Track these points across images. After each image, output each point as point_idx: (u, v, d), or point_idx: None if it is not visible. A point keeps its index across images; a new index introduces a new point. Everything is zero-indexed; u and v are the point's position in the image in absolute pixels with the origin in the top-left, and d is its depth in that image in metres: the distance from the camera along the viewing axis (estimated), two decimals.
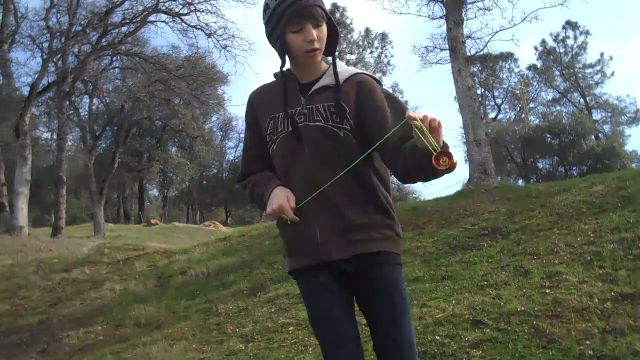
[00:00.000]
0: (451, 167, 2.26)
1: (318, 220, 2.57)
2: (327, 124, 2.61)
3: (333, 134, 2.60)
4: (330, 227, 2.57)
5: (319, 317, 2.65)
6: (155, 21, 26.83)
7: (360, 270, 2.59)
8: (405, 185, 49.79)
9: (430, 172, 2.35)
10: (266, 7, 2.66)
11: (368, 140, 2.57)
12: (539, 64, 52.07)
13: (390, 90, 2.80)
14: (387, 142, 2.47)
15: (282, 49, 2.65)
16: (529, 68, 52.87)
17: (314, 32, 2.58)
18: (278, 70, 2.77)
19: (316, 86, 2.68)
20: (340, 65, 2.76)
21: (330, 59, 2.74)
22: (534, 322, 5.29)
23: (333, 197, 2.56)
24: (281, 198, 2.59)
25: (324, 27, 2.63)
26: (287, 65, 2.74)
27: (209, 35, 25.88)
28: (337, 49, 2.79)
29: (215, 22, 28.85)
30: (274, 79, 2.84)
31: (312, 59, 2.66)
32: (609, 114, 50.40)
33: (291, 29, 2.59)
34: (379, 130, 2.52)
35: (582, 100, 50.53)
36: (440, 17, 18.07)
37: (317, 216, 2.57)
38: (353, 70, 2.76)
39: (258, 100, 2.82)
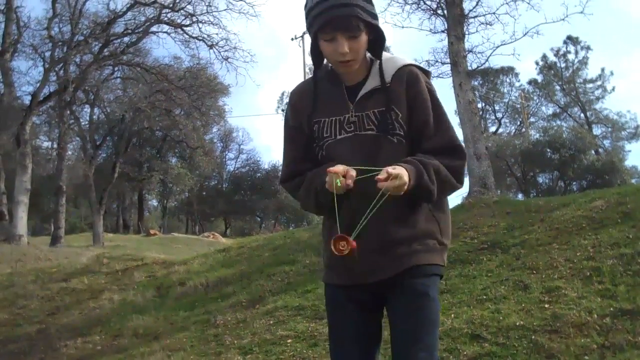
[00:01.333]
0: (350, 252, 2.29)
1: (359, 238, 2.36)
2: (380, 132, 2.49)
3: (386, 142, 2.49)
4: (371, 248, 2.45)
5: (333, 335, 2.64)
6: (158, 32, 26.90)
7: (395, 282, 2.48)
8: None
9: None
10: (305, 4, 2.49)
11: (415, 143, 2.52)
12: (539, 78, 52.28)
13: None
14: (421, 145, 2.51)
15: (315, 54, 2.54)
16: (529, 82, 53.09)
17: (346, 45, 2.40)
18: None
19: (364, 90, 2.53)
20: (385, 57, 2.59)
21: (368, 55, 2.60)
22: (533, 336, 5.28)
23: (377, 212, 2.35)
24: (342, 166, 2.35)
25: (362, 37, 2.43)
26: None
27: (210, 47, 25.93)
28: (383, 49, 2.58)
29: (217, 34, 29.02)
30: (312, 76, 2.68)
31: (347, 70, 2.52)
32: (609, 129, 50.55)
33: (323, 37, 2.43)
34: (419, 141, 2.52)
35: (582, 115, 50.64)
36: (442, 32, 18.15)
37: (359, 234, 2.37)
38: (399, 62, 2.59)
39: (300, 101, 2.65)
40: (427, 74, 2.66)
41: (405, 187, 2.25)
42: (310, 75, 2.67)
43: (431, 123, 2.52)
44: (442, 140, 2.53)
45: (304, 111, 2.62)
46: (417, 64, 2.65)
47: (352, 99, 2.54)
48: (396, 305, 2.52)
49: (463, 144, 2.57)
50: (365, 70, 2.58)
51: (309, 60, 42.60)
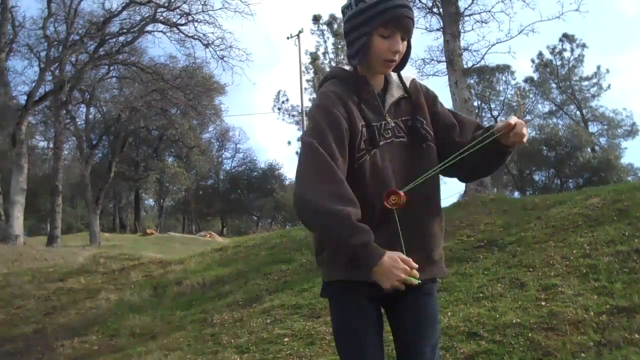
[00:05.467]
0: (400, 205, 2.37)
1: (398, 237, 2.39)
2: (411, 139, 2.54)
3: (417, 149, 2.54)
4: (415, 245, 2.44)
5: (352, 338, 2.52)
6: (153, 31, 26.95)
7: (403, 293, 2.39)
8: None
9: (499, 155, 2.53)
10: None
11: (440, 149, 2.59)
12: (535, 76, 52.27)
13: None
14: (457, 140, 2.60)
15: (363, 47, 2.50)
16: (525, 80, 53.04)
17: (401, 45, 2.48)
18: (339, 67, 2.67)
19: (392, 98, 2.58)
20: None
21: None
22: (530, 334, 5.28)
23: (419, 213, 2.47)
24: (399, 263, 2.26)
25: (406, 43, 2.53)
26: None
27: (206, 46, 25.95)
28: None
29: (212, 33, 28.96)
30: (334, 79, 2.62)
31: (386, 70, 2.57)
32: (605, 127, 50.61)
33: (382, 32, 2.45)
34: (453, 138, 2.62)
35: (578, 112, 50.70)
36: (438, 30, 18.18)
37: (397, 233, 2.39)
38: (409, 75, 2.71)
39: (348, 99, 2.52)
40: None
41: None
42: (346, 70, 2.62)
43: (455, 121, 2.66)
44: (472, 121, 2.72)
45: (351, 110, 2.50)
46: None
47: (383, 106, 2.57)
48: (402, 304, 2.54)
49: None
50: (383, 80, 2.63)
51: (304, 59, 42.62)
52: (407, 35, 2.49)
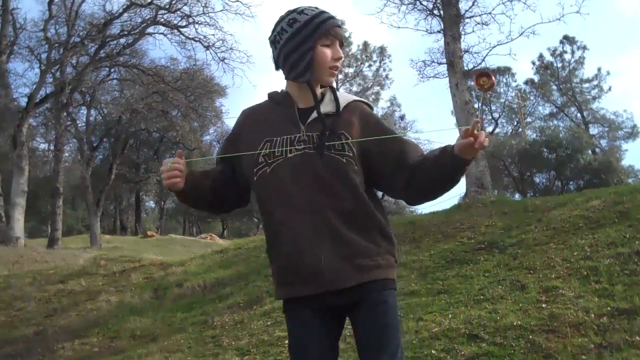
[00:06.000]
0: (491, 87, 2.39)
1: (319, 245, 2.51)
2: (329, 151, 2.58)
3: (334, 161, 2.57)
4: (334, 253, 2.52)
5: (293, 355, 2.67)
6: (154, 33, 26.95)
7: (354, 298, 2.56)
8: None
9: (452, 174, 2.51)
10: (293, 21, 2.65)
11: (373, 168, 2.63)
12: (536, 78, 52.23)
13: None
14: (405, 162, 2.58)
15: (310, 61, 2.64)
16: (526, 82, 52.99)
17: (340, 51, 2.70)
18: (274, 90, 2.81)
19: (315, 114, 2.66)
20: (339, 92, 2.78)
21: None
22: (530, 336, 5.28)
23: (335, 223, 2.52)
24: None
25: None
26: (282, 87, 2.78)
27: (207, 48, 25.94)
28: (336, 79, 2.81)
29: (213, 35, 28.82)
30: (267, 99, 2.84)
31: (332, 77, 2.73)
32: (606, 129, 50.58)
33: (323, 42, 2.65)
34: (403, 162, 2.61)
35: (579, 115, 50.69)
36: (438, 32, 18.15)
37: (317, 241, 2.52)
38: (351, 97, 2.79)
39: (252, 120, 2.78)
40: (371, 107, 2.85)
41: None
42: (277, 91, 2.83)
43: (403, 147, 2.67)
44: (417, 149, 2.70)
45: (251, 130, 2.73)
46: (363, 100, 2.85)
47: (303, 120, 2.66)
48: (358, 317, 2.59)
49: None
50: (311, 95, 2.71)
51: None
52: (342, 44, 2.71)
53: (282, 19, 2.70)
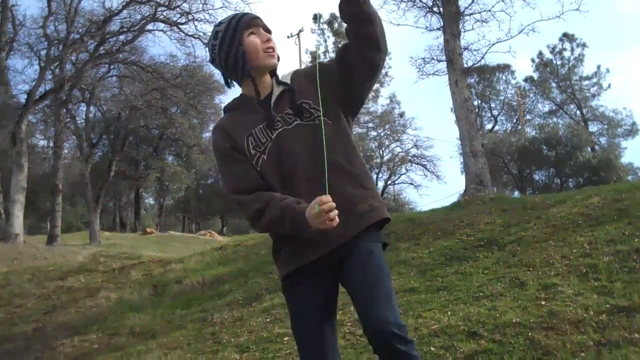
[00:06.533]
0: None
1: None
2: (303, 120, 2.79)
3: (311, 126, 2.77)
4: (338, 209, 2.57)
5: (296, 327, 2.85)
6: (153, 30, 26.90)
7: (346, 252, 2.70)
8: (402, 196, 49.88)
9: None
10: (217, 33, 2.89)
11: (348, 102, 2.89)
12: (535, 75, 52.36)
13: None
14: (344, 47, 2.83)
15: (244, 54, 2.83)
16: (525, 80, 53.15)
17: (267, 35, 2.87)
18: (228, 101, 3.05)
19: (274, 96, 2.88)
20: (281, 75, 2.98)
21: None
22: (530, 333, 5.28)
23: (330, 182, 2.61)
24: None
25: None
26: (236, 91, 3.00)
27: (206, 45, 25.86)
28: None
29: None
30: (225, 113, 3.03)
31: (272, 59, 2.88)
32: (605, 126, 50.63)
33: (247, 34, 2.83)
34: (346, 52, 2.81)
35: (578, 112, 50.75)
36: (438, 29, 18.13)
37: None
38: (291, 70, 3.02)
39: (229, 126, 2.91)
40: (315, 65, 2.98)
41: None
42: (233, 99, 3.04)
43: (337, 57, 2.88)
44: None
45: (235, 133, 2.86)
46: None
47: (267, 108, 2.86)
48: (348, 269, 2.71)
49: None
50: (270, 86, 2.93)
51: (304, 57, 42.60)
52: (267, 29, 2.90)
53: (209, 39, 2.97)
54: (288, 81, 2.91)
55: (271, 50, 2.86)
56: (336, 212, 2.47)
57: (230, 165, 2.85)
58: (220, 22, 2.90)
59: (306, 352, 2.79)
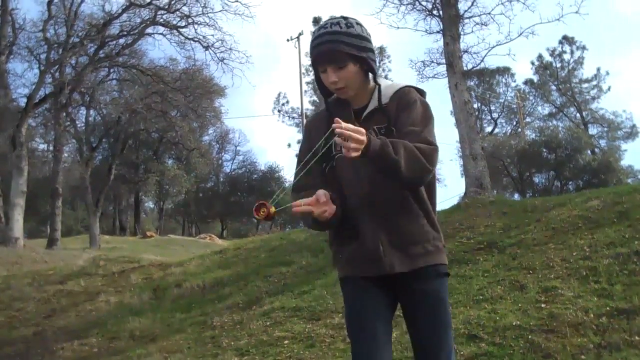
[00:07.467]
0: (267, 218, 2.58)
1: (378, 235, 2.70)
2: None
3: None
4: (391, 243, 2.69)
5: (355, 318, 2.80)
6: (153, 33, 26.96)
7: (412, 282, 2.72)
8: None
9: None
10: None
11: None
12: (535, 78, 52.38)
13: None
14: None
15: (320, 87, 2.88)
16: (525, 83, 53.17)
17: (334, 75, 2.72)
18: (333, 97, 2.95)
19: (366, 111, 2.81)
20: (385, 84, 2.88)
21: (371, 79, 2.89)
22: (530, 336, 5.28)
23: (391, 214, 2.70)
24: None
25: (349, 68, 2.73)
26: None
27: (206, 48, 25.93)
28: (376, 71, 2.88)
29: (212, 35, 28.89)
30: (324, 107, 3.00)
31: (343, 95, 2.83)
32: (605, 129, 50.66)
33: (319, 70, 2.78)
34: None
35: (578, 115, 50.79)
36: (437, 32, 18.12)
37: (377, 232, 2.70)
38: (396, 86, 2.88)
39: (314, 127, 2.94)
40: (420, 92, 2.90)
41: (361, 144, 2.37)
42: (330, 100, 2.97)
43: (416, 121, 2.72)
44: (420, 135, 2.68)
45: (319, 134, 2.78)
46: (413, 85, 2.91)
47: (358, 119, 2.78)
48: (416, 311, 2.76)
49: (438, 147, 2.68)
50: (369, 95, 2.85)
51: (305, 61, 42.60)
52: (336, 64, 2.72)
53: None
54: (391, 92, 2.83)
55: (340, 91, 2.80)
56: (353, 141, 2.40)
57: (298, 163, 2.91)
58: (313, 32, 2.81)
59: (358, 344, 2.77)
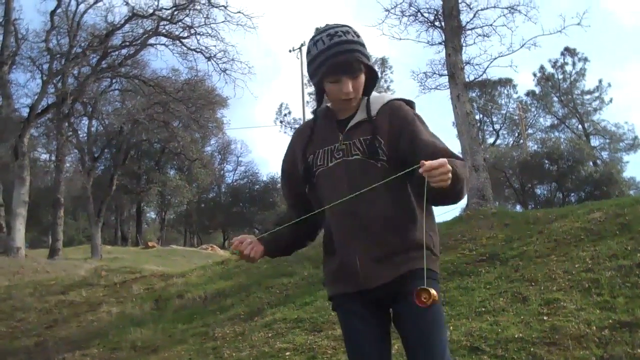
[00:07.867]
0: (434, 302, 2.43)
1: (354, 247, 2.68)
2: (365, 157, 2.70)
3: (370, 166, 2.69)
4: (370, 257, 2.65)
5: (349, 346, 2.80)
6: (156, 44, 27.03)
7: (397, 289, 2.65)
8: None
9: (450, 198, 2.54)
10: (308, 50, 2.78)
11: (407, 165, 2.57)
12: (537, 90, 52.43)
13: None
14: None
15: (318, 95, 2.84)
16: (527, 94, 53.25)
17: (350, 84, 2.69)
18: (322, 106, 2.96)
19: (352, 122, 2.79)
20: (373, 95, 2.85)
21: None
22: (532, 349, 5.28)
23: (371, 225, 2.66)
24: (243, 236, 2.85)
25: (362, 77, 2.73)
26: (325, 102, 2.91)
27: (208, 59, 26.02)
28: (376, 87, 2.88)
29: (215, 46, 28.88)
30: (313, 116, 2.99)
31: (348, 104, 2.78)
32: (607, 141, 50.68)
33: (329, 80, 2.70)
34: (413, 155, 2.58)
35: (580, 126, 50.80)
36: (440, 43, 18.14)
37: (353, 244, 2.68)
38: (385, 98, 2.86)
39: (298, 139, 2.96)
40: (410, 104, 2.89)
41: (450, 175, 2.32)
42: (317, 109, 2.98)
43: (423, 137, 2.67)
44: (438, 148, 2.62)
45: (300, 146, 2.90)
46: (402, 97, 2.91)
47: (342, 130, 2.81)
48: (404, 315, 2.68)
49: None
50: (356, 105, 2.82)
51: (306, 72, 42.82)
52: (354, 74, 2.69)
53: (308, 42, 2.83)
54: (380, 105, 2.80)
55: (348, 101, 2.76)
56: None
57: (281, 182, 3.13)
58: (317, 41, 2.73)
59: None
